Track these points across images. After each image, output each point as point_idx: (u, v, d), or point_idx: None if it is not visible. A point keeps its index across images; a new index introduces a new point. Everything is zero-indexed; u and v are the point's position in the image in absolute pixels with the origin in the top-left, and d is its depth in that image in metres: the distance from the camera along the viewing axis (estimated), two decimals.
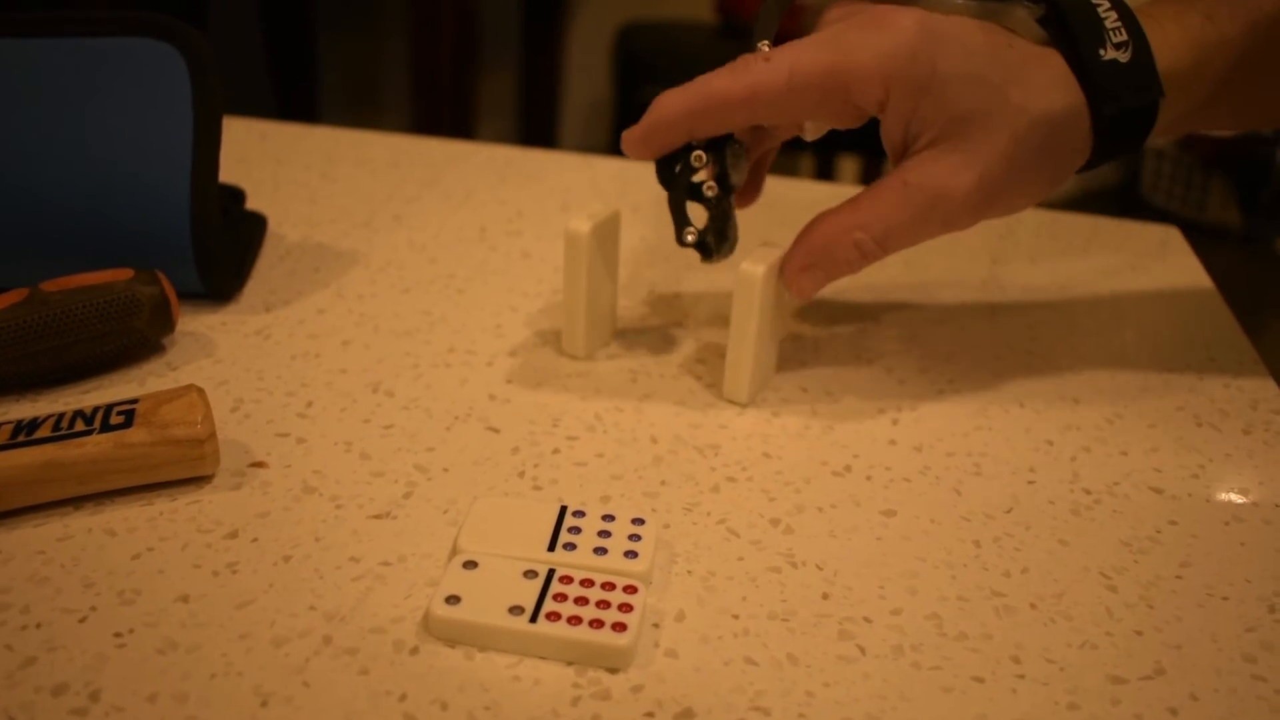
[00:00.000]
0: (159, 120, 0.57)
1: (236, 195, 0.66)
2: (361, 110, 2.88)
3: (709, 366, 0.57)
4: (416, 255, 0.66)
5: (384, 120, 2.88)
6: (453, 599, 0.39)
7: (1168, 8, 0.51)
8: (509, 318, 0.60)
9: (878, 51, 0.48)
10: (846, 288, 0.65)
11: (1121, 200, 3.34)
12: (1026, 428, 0.53)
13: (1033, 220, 0.77)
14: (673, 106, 0.50)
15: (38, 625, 0.39)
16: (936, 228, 0.50)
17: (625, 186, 0.78)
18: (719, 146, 0.52)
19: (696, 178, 0.53)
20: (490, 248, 0.67)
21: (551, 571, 0.40)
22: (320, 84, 2.66)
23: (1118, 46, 0.49)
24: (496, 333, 0.58)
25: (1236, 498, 0.50)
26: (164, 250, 0.57)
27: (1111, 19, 0.49)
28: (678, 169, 0.52)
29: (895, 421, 0.53)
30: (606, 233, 0.55)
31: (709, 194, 0.52)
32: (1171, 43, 0.50)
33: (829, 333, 0.61)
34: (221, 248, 0.58)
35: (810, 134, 0.55)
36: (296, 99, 2.59)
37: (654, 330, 0.60)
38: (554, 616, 0.39)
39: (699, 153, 0.52)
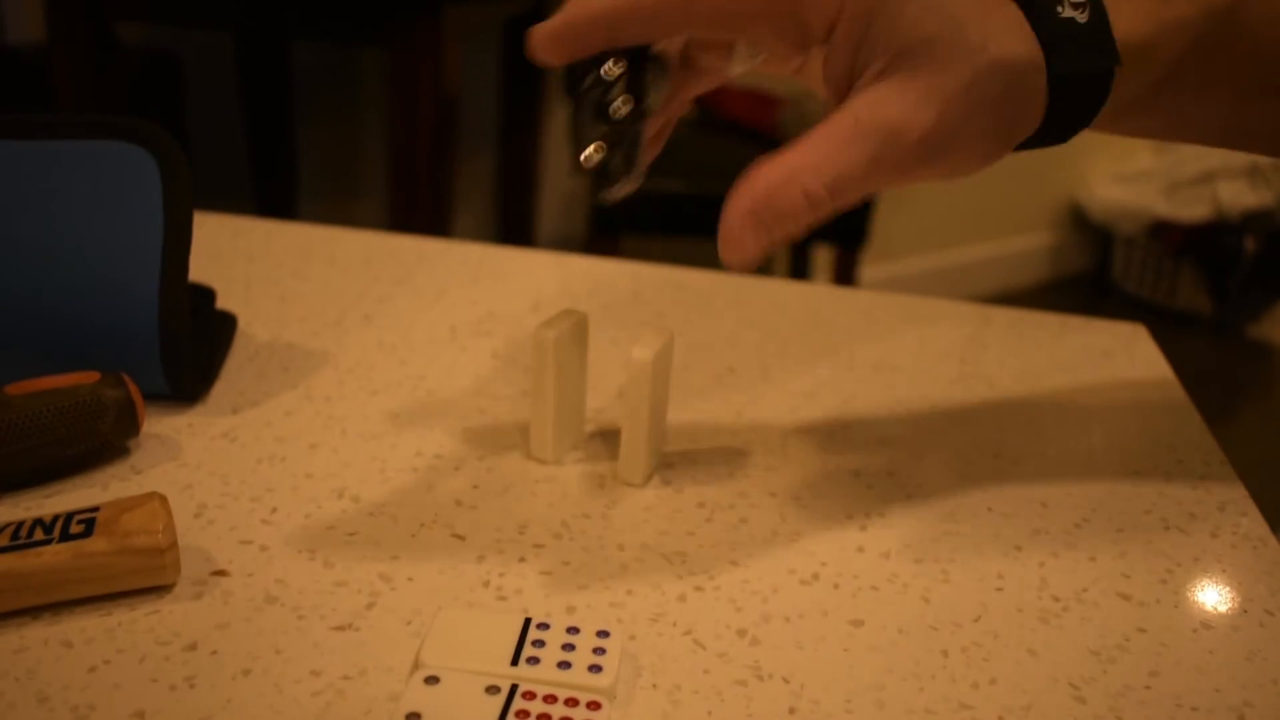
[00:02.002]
0: (128, 223, 0.57)
1: (207, 295, 0.66)
2: (340, 200, 2.90)
3: (676, 471, 0.56)
4: (386, 356, 0.66)
5: (362, 209, 2.89)
6: (413, 717, 0.38)
7: None
8: (477, 420, 0.60)
9: None
10: (814, 392, 0.65)
11: (1093, 287, 3.38)
12: (995, 533, 0.53)
13: (1001, 319, 0.78)
14: (588, 6, 0.44)
15: None
16: (890, 172, 0.45)
17: (597, 286, 0.78)
18: (638, 60, 0.46)
19: (609, 94, 0.46)
20: (460, 348, 0.68)
21: (514, 688, 0.40)
22: (299, 174, 2.67)
23: (1075, 5, 0.45)
24: (464, 436, 0.58)
25: (1205, 603, 0.50)
26: (131, 352, 0.57)
27: None
28: (588, 80, 0.45)
29: (863, 528, 0.53)
30: (574, 336, 0.55)
31: (621, 112, 0.45)
32: (1127, 14, 0.46)
33: (796, 436, 0.61)
34: (189, 351, 0.58)
35: (740, 62, 0.49)
36: (275, 189, 2.61)
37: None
38: None
39: (614, 63, 0.45)
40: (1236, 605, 0.50)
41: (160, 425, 0.57)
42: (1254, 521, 0.56)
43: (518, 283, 0.78)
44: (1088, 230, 3.41)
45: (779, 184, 0.44)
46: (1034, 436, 0.63)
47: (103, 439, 0.53)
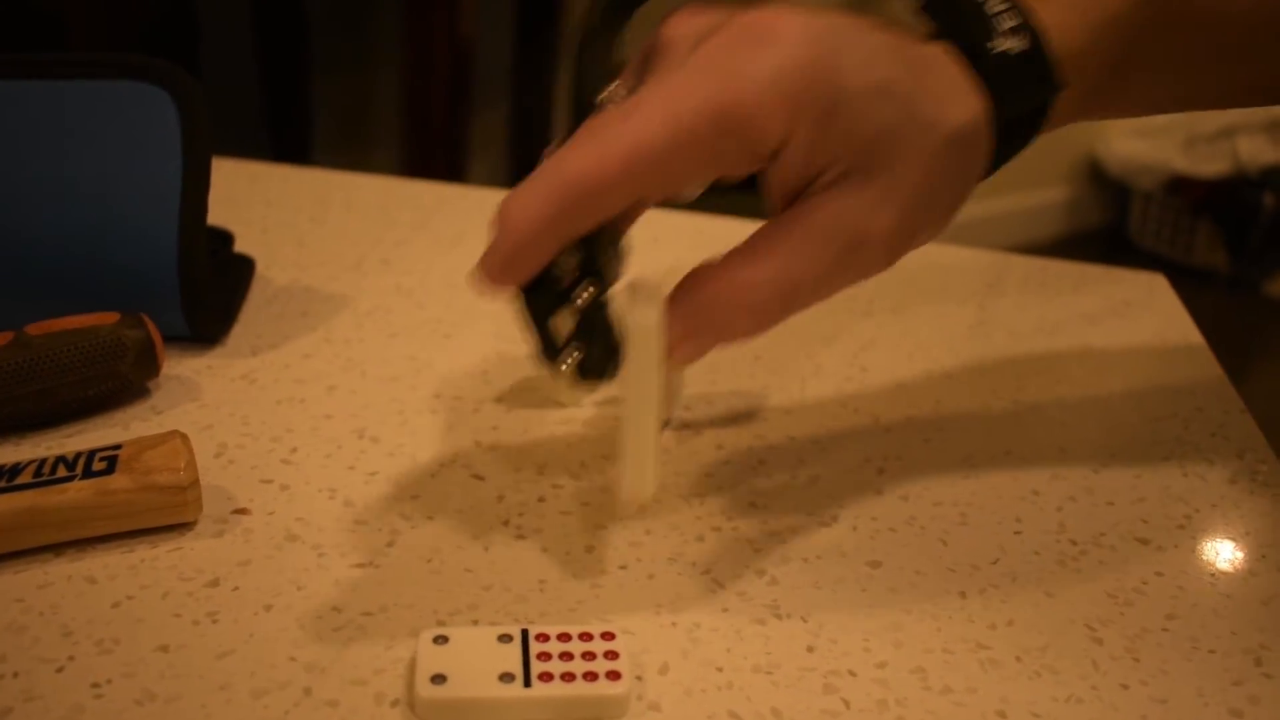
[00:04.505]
0: (147, 163, 0.57)
1: (225, 238, 0.66)
2: (354, 148, 2.89)
3: (694, 414, 0.56)
4: (404, 300, 0.66)
5: (376, 158, 2.88)
6: (438, 678, 0.38)
7: None
8: (496, 363, 0.60)
9: (772, 75, 0.38)
10: (833, 337, 0.65)
11: (1109, 242, 3.36)
12: (1013, 477, 0.53)
13: (1020, 267, 0.77)
14: (529, 218, 0.38)
15: (15, 675, 0.39)
16: (851, 277, 0.42)
17: None
18: (589, 242, 0.40)
19: (565, 284, 0.41)
20: (478, 292, 0.67)
21: (525, 632, 0.40)
22: (314, 123, 2.66)
23: (1010, 33, 0.42)
24: (483, 379, 0.58)
25: (1222, 549, 0.50)
26: (151, 293, 0.57)
27: (995, 1, 0.42)
28: (540, 279, 0.40)
29: (881, 470, 0.53)
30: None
31: (581, 298, 0.40)
32: (1060, 23, 0.43)
33: (815, 382, 0.60)
34: (208, 291, 0.58)
35: (691, 194, 0.43)
36: (290, 138, 2.60)
37: None
38: (546, 677, 0.38)
39: (566, 254, 0.40)
40: (1253, 551, 0.50)
41: (180, 366, 0.57)
42: (1273, 469, 0.56)
43: None
44: (1105, 185, 3.38)
45: (723, 295, 0.41)
46: (1053, 382, 0.62)
47: (123, 379, 0.53)
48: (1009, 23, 0.42)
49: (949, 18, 0.42)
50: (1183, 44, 0.47)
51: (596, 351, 0.41)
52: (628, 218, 0.45)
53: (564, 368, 0.41)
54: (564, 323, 0.41)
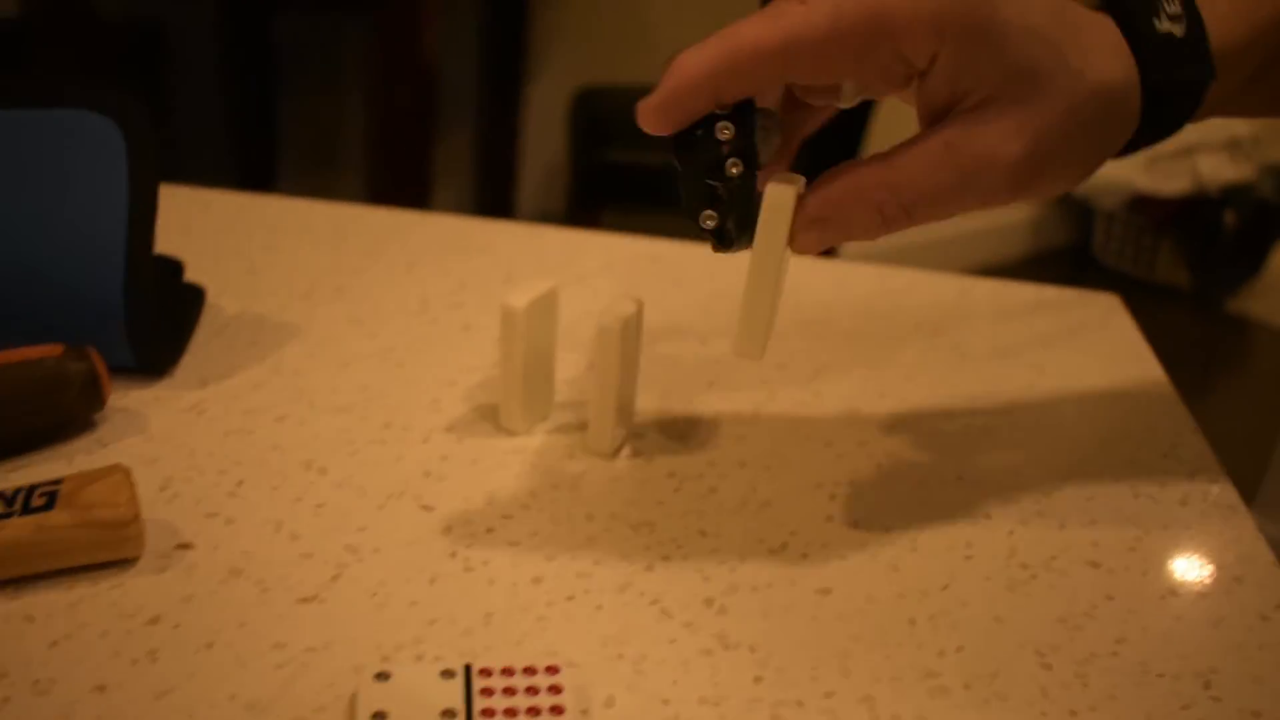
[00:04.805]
0: (93, 193, 0.56)
1: (174, 267, 0.65)
2: (320, 175, 2.88)
3: (647, 441, 0.56)
4: (356, 329, 0.65)
5: (342, 184, 2.88)
6: (379, 716, 0.38)
7: None
8: (447, 392, 0.59)
9: None
10: (787, 361, 0.65)
11: (1075, 261, 3.38)
12: (964, 501, 0.53)
13: (975, 289, 0.78)
14: (696, 65, 0.43)
15: None
16: (973, 200, 0.45)
17: (571, 258, 0.78)
18: (746, 116, 0.45)
19: (720, 157, 0.45)
20: (431, 320, 0.67)
21: (468, 668, 0.39)
22: (280, 150, 2.65)
23: (1172, 19, 0.45)
24: (434, 408, 0.58)
25: (1173, 571, 0.50)
26: (97, 325, 0.56)
27: None
28: (698, 139, 0.45)
29: (833, 497, 0.53)
30: (543, 307, 0.54)
31: (733, 172, 0.45)
32: (1223, 16, 0.46)
33: (767, 406, 0.60)
34: (156, 322, 0.57)
35: (848, 98, 0.49)
36: (256, 162, 2.59)
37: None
38: (489, 713, 0.38)
39: (725, 123, 0.44)
40: (1204, 572, 0.50)
41: (126, 399, 0.57)
42: (1224, 489, 0.56)
43: (491, 255, 0.77)
44: (1069, 204, 3.40)
45: (857, 192, 0.44)
46: (1006, 405, 0.62)
47: (67, 412, 0.52)
48: (1173, 9, 0.45)
49: None
50: None
51: (733, 220, 0.45)
52: (794, 126, 0.51)
53: (703, 226, 0.46)
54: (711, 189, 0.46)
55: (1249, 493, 0.57)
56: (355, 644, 0.42)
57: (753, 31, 0.43)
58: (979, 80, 0.43)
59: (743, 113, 0.44)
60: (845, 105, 0.50)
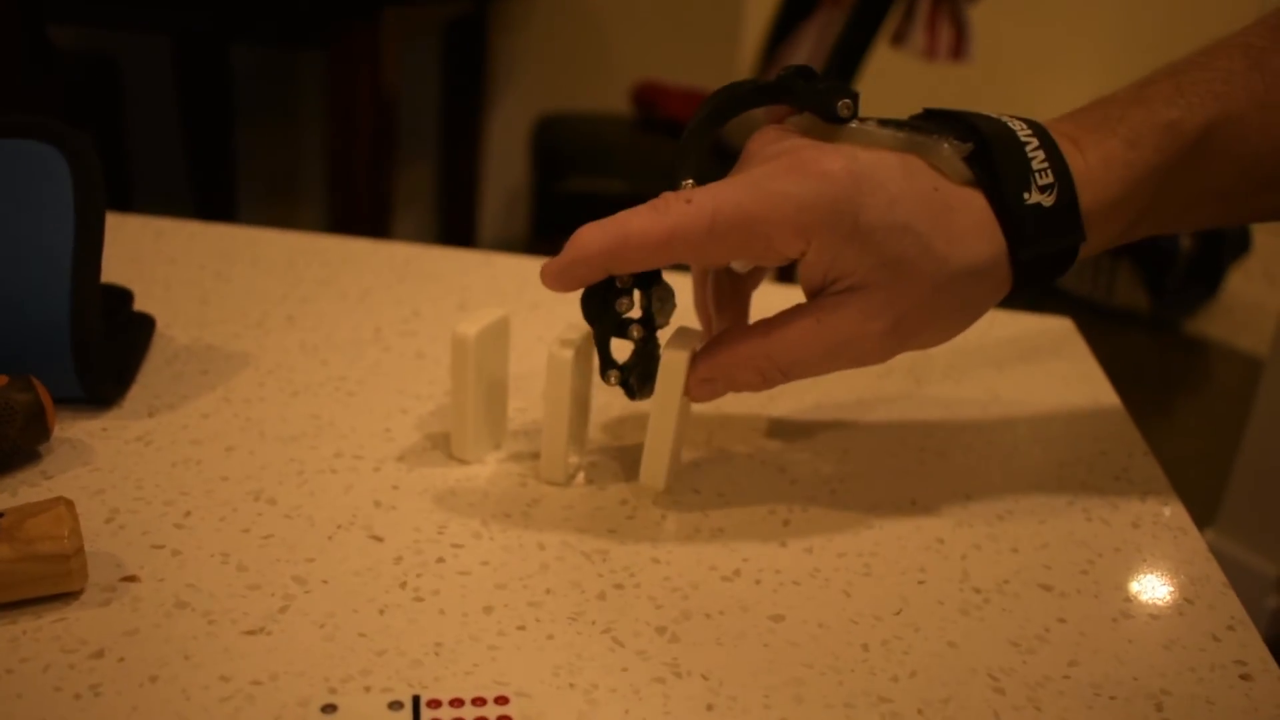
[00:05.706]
0: (39, 222, 0.56)
1: (123, 296, 0.64)
2: (280, 204, 2.87)
3: (600, 469, 0.56)
4: (308, 357, 0.65)
5: (302, 214, 2.87)
6: None
7: (1090, 135, 0.49)
8: (399, 420, 0.59)
9: (800, 203, 0.46)
10: None
11: None
12: (917, 526, 0.53)
13: None
14: (591, 244, 0.48)
15: None
16: (845, 364, 0.50)
17: (523, 285, 0.78)
18: (646, 286, 0.52)
19: (624, 316, 0.52)
20: (384, 349, 0.67)
21: (416, 699, 0.39)
22: (238, 179, 2.64)
23: (1043, 189, 0.48)
24: (385, 436, 0.57)
25: (1125, 593, 0.50)
26: (42, 355, 0.55)
27: (1039, 159, 0.48)
28: (604, 310, 0.52)
29: (786, 523, 0.53)
30: (494, 335, 0.54)
31: (635, 336, 0.52)
32: (1096, 178, 0.49)
33: (720, 431, 0.60)
34: (102, 352, 0.56)
35: (740, 268, 0.55)
36: (214, 194, 2.58)
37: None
38: None
39: (626, 298, 0.51)
40: (1156, 594, 0.50)
41: (73, 429, 0.56)
42: (1175, 512, 0.56)
43: (445, 282, 0.77)
44: None
45: (740, 359, 0.50)
46: (959, 430, 0.63)
47: (11, 444, 0.51)
48: (1044, 180, 0.48)
49: (990, 169, 0.48)
50: (1220, 182, 0.51)
51: (634, 377, 0.53)
52: (736, 284, 0.57)
53: (611, 382, 0.53)
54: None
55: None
56: (302, 676, 0.41)
57: (640, 223, 0.48)
58: (847, 270, 0.48)
59: (644, 283, 0.52)
60: (740, 271, 0.56)
